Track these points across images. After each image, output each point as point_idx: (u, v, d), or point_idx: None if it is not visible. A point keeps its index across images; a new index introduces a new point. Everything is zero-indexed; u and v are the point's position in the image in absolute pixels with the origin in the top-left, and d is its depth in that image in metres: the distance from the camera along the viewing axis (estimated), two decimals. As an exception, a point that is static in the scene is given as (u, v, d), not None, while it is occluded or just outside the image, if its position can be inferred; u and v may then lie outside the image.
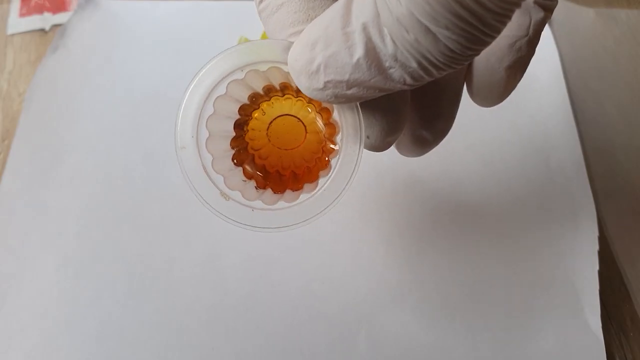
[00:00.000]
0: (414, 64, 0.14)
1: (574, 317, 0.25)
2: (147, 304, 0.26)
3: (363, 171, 0.30)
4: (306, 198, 0.18)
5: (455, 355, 0.25)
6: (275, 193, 0.19)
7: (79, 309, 0.26)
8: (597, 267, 0.26)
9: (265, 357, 0.25)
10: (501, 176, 0.30)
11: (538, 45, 0.37)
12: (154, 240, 0.28)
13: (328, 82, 0.15)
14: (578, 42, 0.34)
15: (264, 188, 0.20)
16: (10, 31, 0.36)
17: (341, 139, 0.18)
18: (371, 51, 0.14)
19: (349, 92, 0.15)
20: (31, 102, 0.32)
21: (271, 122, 0.19)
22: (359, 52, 0.14)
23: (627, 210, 0.28)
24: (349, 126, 0.18)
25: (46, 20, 0.37)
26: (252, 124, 0.19)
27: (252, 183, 0.20)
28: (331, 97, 0.16)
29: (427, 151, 0.21)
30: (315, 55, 0.15)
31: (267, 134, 0.19)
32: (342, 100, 0.16)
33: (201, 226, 0.28)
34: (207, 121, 0.18)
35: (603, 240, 0.28)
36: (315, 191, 0.18)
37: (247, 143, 0.19)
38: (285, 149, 0.19)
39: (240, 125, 0.19)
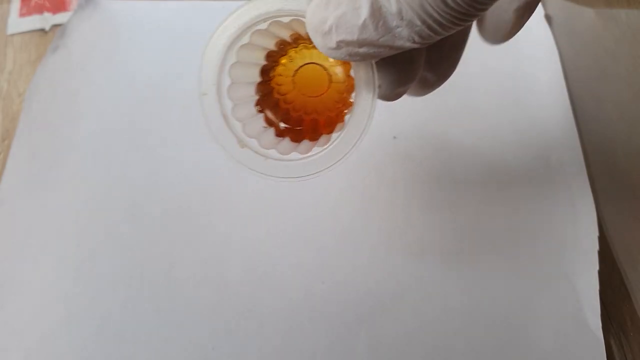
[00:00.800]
0: (418, 22, 0.14)
1: (574, 317, 0.25)
2: (147, 303, 0.26)
3: (363, 171, 0.30)
4: (319, 151, 0.19)
5: (455, 355, 0.25)
6: (292, 142, 0.20)
7: (79, 309, 0.26)
8: (597, 267, 0.26)
9: (265, 357, 0.25)
10: (501, 176, 0.30)
11: (538, 45, 0.37)
12: (154, 241, 0.28)
13: (340, 41, 0.15)
14: (578, 42, 0.34)
15: (283, 137, 0.20)
16: (10, 31, 0.36)
17: (355, 95, 0.18)
18: (377, 11, 0.14)
19: (361, 50, 0.16)
20: (31, 102, 0.32)
21: (298, 69, 0.20)
22: (365, 12, 0.15)
23: (627, 210, 0.28)
24: (362, 81, 0.18)
25: (46, 20, 0.37)
26: (279, 69, 0.20)
27: (272, 130, 0.20)
28: (345, 55, 0.16)
29: (429, 92, 0.22)
30: (328, 15, 0.15)
31: (293, 80, 0.20)
32: (357, 58, 0.16)
33: (202, 226, 0.28)
34: (230, 69, 0.19)
35: (603, 240, 0.28)
36: (327, 145, 0.19)
37: (273, 88, 0.20)
38: (310, 96, 0.20)
39: (266, 71, 0.20)
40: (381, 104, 0.34)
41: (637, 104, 0.30)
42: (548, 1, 0.36)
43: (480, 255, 0.27)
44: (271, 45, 0.19)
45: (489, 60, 0.34)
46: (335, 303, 0.26)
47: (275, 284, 0.26)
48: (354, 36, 0.15)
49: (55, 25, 0.37)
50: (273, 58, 0.20)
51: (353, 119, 0.18)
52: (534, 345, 0.25)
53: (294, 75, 0.20)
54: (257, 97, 0.20)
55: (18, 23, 0.37)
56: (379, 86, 0.18)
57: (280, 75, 0.20)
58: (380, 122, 0.32)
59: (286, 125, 0.20)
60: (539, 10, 0.36)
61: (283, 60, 0.20)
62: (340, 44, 0.16)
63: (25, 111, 0.32)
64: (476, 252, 0.27)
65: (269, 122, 0.20)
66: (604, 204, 0.29)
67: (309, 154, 0.19)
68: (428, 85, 0.21)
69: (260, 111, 0.20)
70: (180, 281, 0.26)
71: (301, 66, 0.20)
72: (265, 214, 0.28)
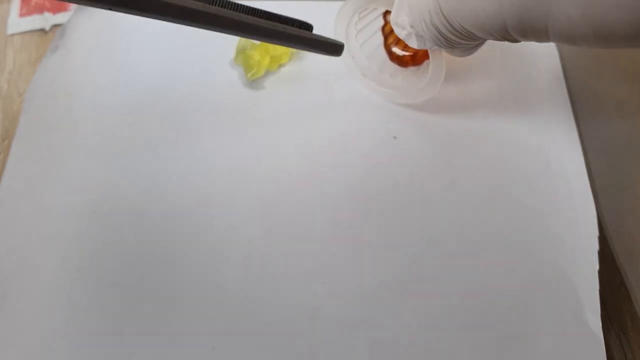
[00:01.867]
0: (440, 43, 0.25)
1: (574, 317, 0.25)
2: (147, 303, 0.26)
3: (363, 171, 0.30)
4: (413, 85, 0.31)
5: (454, 355, 0.25)
6: (399, 66, 0.32)
7: (79, 309, 0.26)
8: (597, 267, 0.26)
9: (265, 357, 0.25)
10: (501, 176, 0.30)
11: (538, 45, 0.37)
12: (154, 240, 0.28)
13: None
14: (578, 42, 0.34)
15: (392, 61, 0.32)
16: (10, 31, 0.36)
17: (431, 58, 0.28)
18: (419, 36, 0.25)
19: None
20: (31, 102, 0.32)
21: None
22: (412, 39, 0.26)
23: (627, 210, 0.28)
24: (436, 56, 0.28)
25: (46, 20, 0.37)
26: None
27: (385, 54, 0.32)
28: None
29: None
30: (400, 32, 0.26)
31: None
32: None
33: (202, 226, 0.28)
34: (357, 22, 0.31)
35: (603, 240, 0.28)
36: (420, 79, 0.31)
37: None
38: None
39: None
40: (381, 106, 0.34)
41: (637, 103, 0.30)
42: (548, 1, 0.36)
43: (480, 255, 0.27)
44: None
45: (488, 60, 0.34)
46: (335, 303, 0.26)
47: (275, 284, 0.26)
48: (415, 46, 0.26)
49: (55, 25, 0.37)
50: None
51: (433, 72, 0.29)
52: (534, 345, 0.25)
53: None
54: (383, 23, 0.31)
55: (18, 23, 0.37)
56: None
57: None
58: (380, 122, 0.32)
59: (404, 52, 0.31)
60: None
61: None
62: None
63: (25, 111, 0.32)
64: (476, 251, 0.27)
65: (388, 50, 0.32)
66: (604, 204, 0.29)
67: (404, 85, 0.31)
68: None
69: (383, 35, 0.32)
70: (179, 281, 0.26)
71: None
72: (265, 214, 0.28)
